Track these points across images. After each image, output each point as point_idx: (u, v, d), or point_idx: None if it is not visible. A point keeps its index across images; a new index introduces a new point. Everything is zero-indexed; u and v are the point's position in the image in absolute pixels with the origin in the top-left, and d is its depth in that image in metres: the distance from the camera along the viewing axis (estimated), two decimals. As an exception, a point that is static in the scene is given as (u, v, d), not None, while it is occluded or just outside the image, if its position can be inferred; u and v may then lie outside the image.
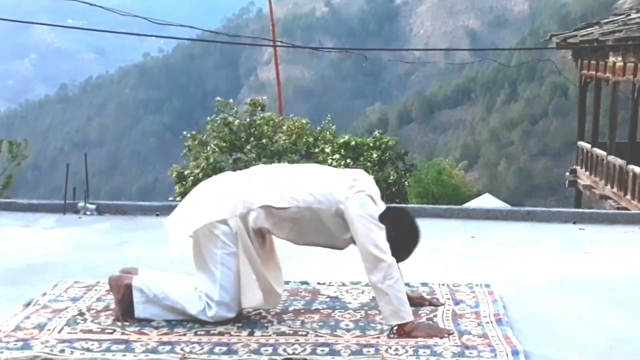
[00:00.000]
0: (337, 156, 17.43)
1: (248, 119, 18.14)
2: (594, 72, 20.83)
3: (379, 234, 4.04)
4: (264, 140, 17.78)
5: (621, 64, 18.21)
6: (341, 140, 18.15)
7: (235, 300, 4.18)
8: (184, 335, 3.99)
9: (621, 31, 17.41)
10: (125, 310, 4.25)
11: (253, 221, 4.14)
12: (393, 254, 4.04)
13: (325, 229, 4.16)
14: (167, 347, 3.78)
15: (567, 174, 23.30)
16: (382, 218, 4.12)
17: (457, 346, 3.80)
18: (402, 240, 4.20)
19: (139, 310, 4.22)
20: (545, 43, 24.38)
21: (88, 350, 3.74)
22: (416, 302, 4.53)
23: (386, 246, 4.02)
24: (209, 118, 18.76)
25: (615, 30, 18.09)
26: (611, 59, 18.88)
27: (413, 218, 4.33)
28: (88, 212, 7.78)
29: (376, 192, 4.27)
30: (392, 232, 4.11)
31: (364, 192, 4.12)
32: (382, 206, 4.21)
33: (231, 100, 19.59)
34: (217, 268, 4.15)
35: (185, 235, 4.25)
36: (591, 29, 20.35)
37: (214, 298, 4.15)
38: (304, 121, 19.54)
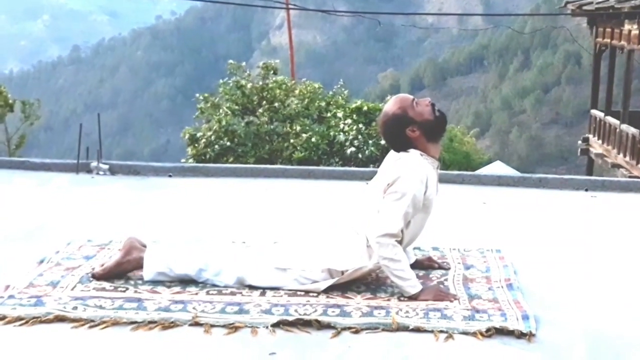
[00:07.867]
0: (349, 121, 17.31)
1: (260, 83, 18.05)
2: (608, 40, 20.68)
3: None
4: (276, 104, 17.70)
5: (637, 32, 18.06)
6: (353, 105, 18.01)
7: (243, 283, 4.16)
8: (196, 294, 4.00)
9: (637, -1, 17.27)
10: (115, 275, 4.21)
11: None
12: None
13: None
14: (180, 306, 3.80)
15: (580, 142, 23.21)
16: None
17: (468, 310, 3.80)
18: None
19: (148, 278, 4.20)
20: (560, 10, 24.19)
21: (101, 307, 3.76)
22: (425, 264, 4.57)
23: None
24: (221, 81, 18.63)
25: (631, -3, 17.94)
26: (627, 26, 18.73)
27: None
28: (101, 172, 7.81)
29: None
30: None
31: None
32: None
33: (244, 64, 19.47)
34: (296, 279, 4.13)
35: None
36: (607, -4, 20.19)
37: (245, 280, 4.13)
38: (317, 85, 19.39)
